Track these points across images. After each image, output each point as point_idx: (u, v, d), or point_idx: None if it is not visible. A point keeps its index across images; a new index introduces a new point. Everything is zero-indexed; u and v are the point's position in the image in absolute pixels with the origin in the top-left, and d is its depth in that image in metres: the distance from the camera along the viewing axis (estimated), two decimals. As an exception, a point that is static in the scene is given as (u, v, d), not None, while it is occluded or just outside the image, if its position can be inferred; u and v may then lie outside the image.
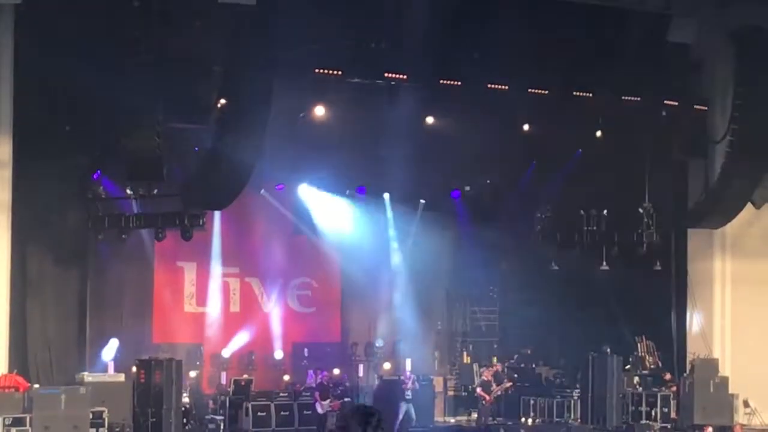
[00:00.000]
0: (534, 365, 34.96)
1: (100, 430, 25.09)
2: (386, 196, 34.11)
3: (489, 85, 28.98)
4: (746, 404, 31.30)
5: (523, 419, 32.10)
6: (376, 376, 32.80)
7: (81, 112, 26.20)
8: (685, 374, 31.17)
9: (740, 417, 31.01)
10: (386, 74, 27.92)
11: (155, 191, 26.64)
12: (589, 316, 33.58)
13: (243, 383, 29.80)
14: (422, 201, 34.33)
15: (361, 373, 33.06)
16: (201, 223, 27.00)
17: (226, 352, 31.80)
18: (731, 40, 29.69)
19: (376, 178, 32.33)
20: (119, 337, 29.22)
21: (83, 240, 28.23)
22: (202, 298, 32.41)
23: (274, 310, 33.42)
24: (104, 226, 27.46)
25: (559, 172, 32.78)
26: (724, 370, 31.16)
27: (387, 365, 33.20)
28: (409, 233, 34.73)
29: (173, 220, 26.83)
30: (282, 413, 29.17)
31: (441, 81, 28.62)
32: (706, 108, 31.36)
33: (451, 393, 33.93)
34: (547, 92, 29.55)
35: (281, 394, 29.96)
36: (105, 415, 25.24)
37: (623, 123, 30.53)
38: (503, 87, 29.18)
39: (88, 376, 26.46)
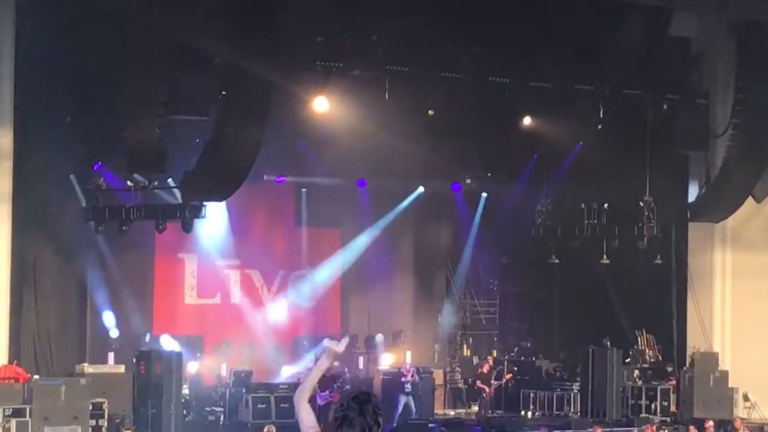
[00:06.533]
0: (534, 358, 34.96)
1: (100, 421, 25.09)
2: (387, 188, 34.08)
3: (490, 78, 28.98)
4: (746, 398, 31.30)
5: (522, 412, 32.09)
6: (377, 369, 32.84)
7: (82, 104, 26.17)
8: (684, 368, 31.18)
9: (740, 411, 30.98)
10: (387, 66, 27.86)
11: (156, 183, 26.64)
12: (589, 310, 33.57)
13: (243, 375, 29.78)
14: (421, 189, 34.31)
15: (361, 366, 33.08)
16: (202, 214, 26.95)
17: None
18: (732, 34, 29.70)
19: (376, 170, 32.31)
20: (119, 329, 29.25)
21: (84, 231, 28.18)
22: (202, 289, 32.42)
23: (274, 301, 33.44)
24: (105, 217, 27.35)
25: (559, 166, 32.74)
26: (724, 363, 31.17)
27: (387, 357, 33.21)
28: (409, 226, 34.72)
29: (174, 212, 26.78)
30: (282, 405, 29.09)
31: (442, 73, 28.58)
32: (707, 102, 31.33)
33: (451, 386, 33.90)
34: (548, 85, 29.53)
35: (281, 386, 29.92)
36: (105, 407, 25.23)
37: (624, 116, 30.49)
38: (504, 80, 29.16)
39: (88, 368, 26.47)
